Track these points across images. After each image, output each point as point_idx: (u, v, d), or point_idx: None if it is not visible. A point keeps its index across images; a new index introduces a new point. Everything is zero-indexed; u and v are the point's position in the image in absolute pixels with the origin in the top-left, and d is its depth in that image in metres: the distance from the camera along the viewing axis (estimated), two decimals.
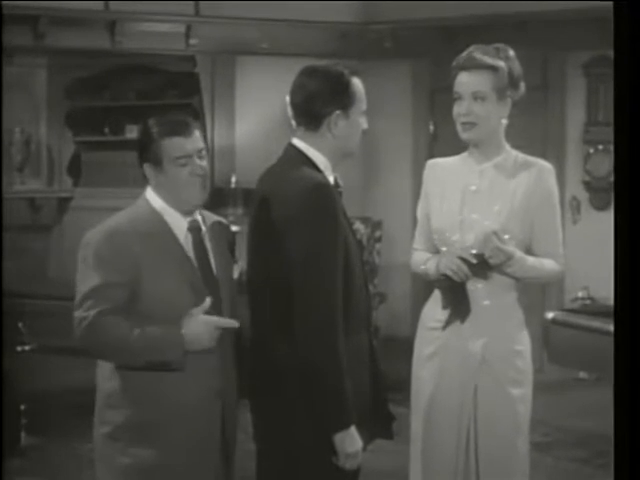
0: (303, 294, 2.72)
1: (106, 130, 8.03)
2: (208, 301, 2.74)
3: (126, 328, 2.69)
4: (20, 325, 5.82)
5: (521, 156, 3.30)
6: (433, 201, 3.34)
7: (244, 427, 2.97)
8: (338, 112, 2.85)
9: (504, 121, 3.26)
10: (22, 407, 5.63)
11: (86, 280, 2.74)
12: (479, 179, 3.27)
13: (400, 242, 7.21)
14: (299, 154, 2.88)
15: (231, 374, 2.90)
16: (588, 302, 6.71)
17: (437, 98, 7.41)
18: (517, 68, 3.25)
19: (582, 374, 6.50)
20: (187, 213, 2.85)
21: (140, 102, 7.77)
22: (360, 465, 2.84)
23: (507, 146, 3.31)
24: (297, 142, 2.90)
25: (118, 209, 2.89)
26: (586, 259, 6.55)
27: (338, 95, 2.85)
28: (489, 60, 3.20)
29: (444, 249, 3.27)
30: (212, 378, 2.80)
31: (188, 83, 7.61)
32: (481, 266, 3.17)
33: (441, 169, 3.38)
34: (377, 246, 7.44)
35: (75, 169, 7.91)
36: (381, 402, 2.96)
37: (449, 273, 3.19)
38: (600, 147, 7.07)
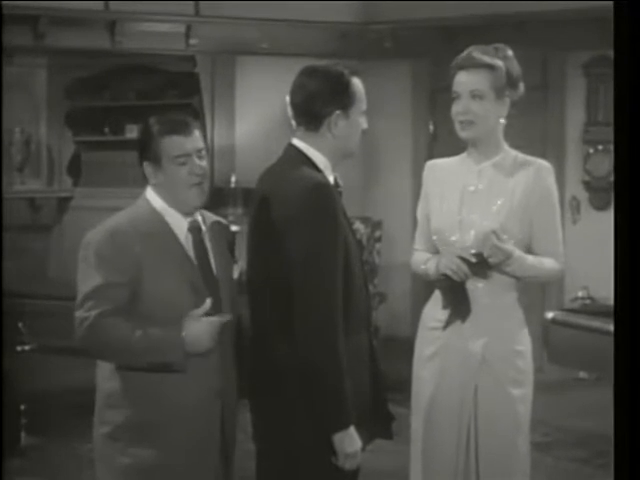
0: (303, 294, 2.72)
1: (106, 130, 8.03)
2: (208, 303, 2.74)
3: (127, 329, 2.69)
4: (20, 325, 5.82)
5: (520, 155, 3.30)
6: (433, 202, 3.34)
7: (244, 427, 2.97)
8: (338, 112, 2.85)
9: (502, 121, 3.27)
10: (22, 407, 5.63)
11: (87, 280, 2.74)
12: (477, 179, 3.28)
13: (400, 242, 7.22)
14: (299, 154, 2.88)
15: (231, 374, 2.90)
16: (588, 302, 6.71)
17: (437, 98, 7.41)
18: (516, 68, 3.25)
19: (582, 374, 6.50)
20: (187, 214, 2.85)
21: (140, 102, 7.77)
22: (359, 465, 2.84)
23: (506, 146, 3.31)
24: (297, 142, 2.90)
25: (118, 209, 2.89)
26: (586, 259, 6.56)
27: (338, 95, 2.85)
28: (487, 59, 3.20)
29: (444, 249, 3.27)
30: (212, 378, 2.80)
31: (188, 83, 7.61)
32: (481, 265, 3.17)
33: (440, 170, 3.38)
34: (377, 246, 7.44)
35: (75, 169, 7.91)
36: (381, 402, 2.96)
37: (449, 273, 3.20)
38: (600, 147, 7.07)
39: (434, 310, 3.30)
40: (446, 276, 3.21)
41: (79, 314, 2.72)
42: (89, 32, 7.06)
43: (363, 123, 2.93)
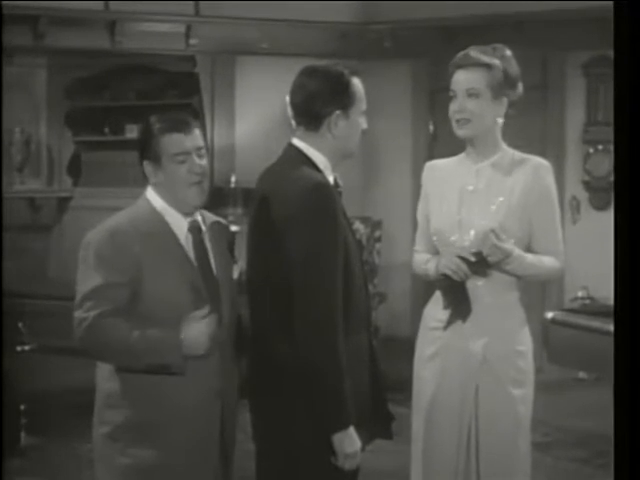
0: (303, 294, 2.72)
1: (106, 130, 8.03)
2: (207, 309, 2.73)
3: (126, 330, 2.69)
4: (20, 325, 5.82)
5: (517, 154, 3.30)
6: (432, 202, 3.34)
7: (244, 427, 2.97)
8: (338, 112, 2.85)
9: (500, 120, 3.26)
10: (22, 407, 5.63)
11: (87, 280, 2.74)
12: (476, 178, 3.28)
13: (400, 242, 7.22)
14: (299, 154, 2.88)
15: (231, 374, 2.90)
16: (588, 302, 6.71)
17: (437, 98, 7.40)
18: (514, 68, 3.25)
19: (582, 374, 6.50)
20: (187, 214, 2.85)
21: (140, 102, 7.77)
22: (359, 465, 2.84)
23: (504, 145, 3.31)
24: (297, 142, 2.90)
25: (118, 209, 2.89)
26: (586, 259, 6.55)
27: (338, 95, 2.85)
28: (484, 58, 3.21)
29: (444, 249, 3.27)
30: (212, 378, 2.80)
31: (188, 83, 7.61)
32: (480, 264, 3.17)
33: (439, 170, 3.38)
34: (377, 246, 7.44)
35: (75, 169, 7.91)
36: (381, 402, 2.96)
37: (449, 272, 3.20)
38: (600, 147, 7.07)
39: (435, 310, 3.30)
40: (446, 276, 3.21)
41: (78, 314, 2.72)
42: (89, 32, 7.06)
43: (363, 123, 2.93)
